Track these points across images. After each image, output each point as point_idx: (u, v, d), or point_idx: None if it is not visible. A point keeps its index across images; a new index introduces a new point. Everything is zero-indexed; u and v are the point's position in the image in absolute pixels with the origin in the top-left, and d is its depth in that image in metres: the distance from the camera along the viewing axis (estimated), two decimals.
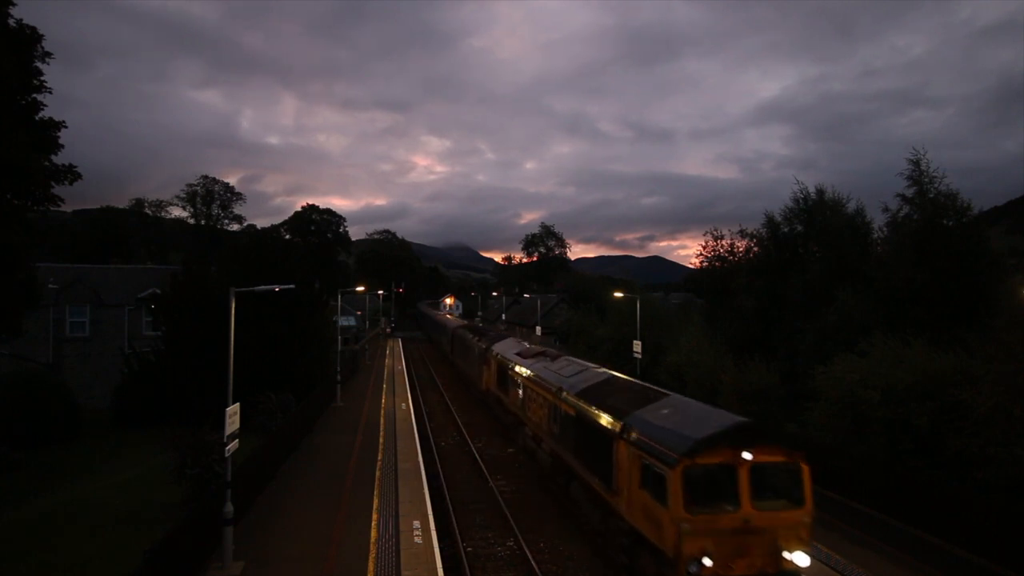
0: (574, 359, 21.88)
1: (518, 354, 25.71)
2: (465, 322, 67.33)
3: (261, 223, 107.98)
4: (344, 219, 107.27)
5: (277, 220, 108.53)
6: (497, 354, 28.88)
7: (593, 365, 19.96)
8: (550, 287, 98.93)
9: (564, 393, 17.38)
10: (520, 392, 23.13)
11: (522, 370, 23.05)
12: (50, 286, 35.13)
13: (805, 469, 10.98)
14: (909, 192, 23.95)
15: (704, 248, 36.57)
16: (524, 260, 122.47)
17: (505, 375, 26.43)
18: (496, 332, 44.05)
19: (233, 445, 12.79)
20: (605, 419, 14.10)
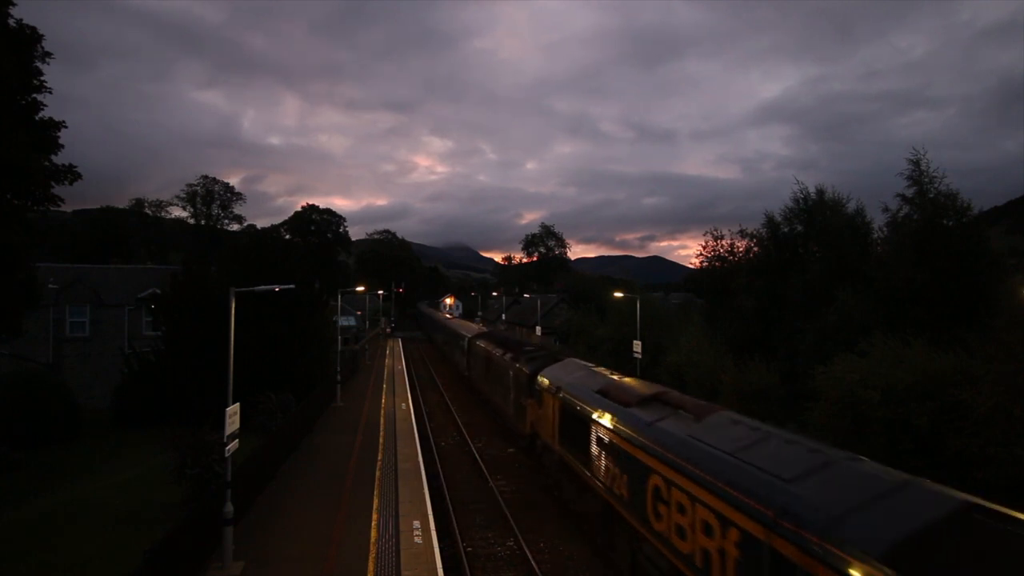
0: (746, 419, 11.30)
1: (603, 393, 15.27)
2: (484, 328, 53.59)
3: (263, 223, 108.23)
4: (344, 219, 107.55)
5: (279, 220, 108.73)
6: (558, 390, 18.16)
7: (829, 449, 9.33)
8: (550, 287, 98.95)
9: (837, 549, 6.83)
10: (625, 472, 12.72)
11: (628, 432, 12.76)
12: (50, 286, 35.14)
13: None
14: (909, 192, 23.97)
15: (704, 248, 36.62)
16: (524, 260, 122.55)
17: (580, 429, 15.76)
18: (537, 347, 30.46)
19: (233, 445, 12.79)
20: None
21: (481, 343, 35.78)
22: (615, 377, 17.53)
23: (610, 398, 14.73)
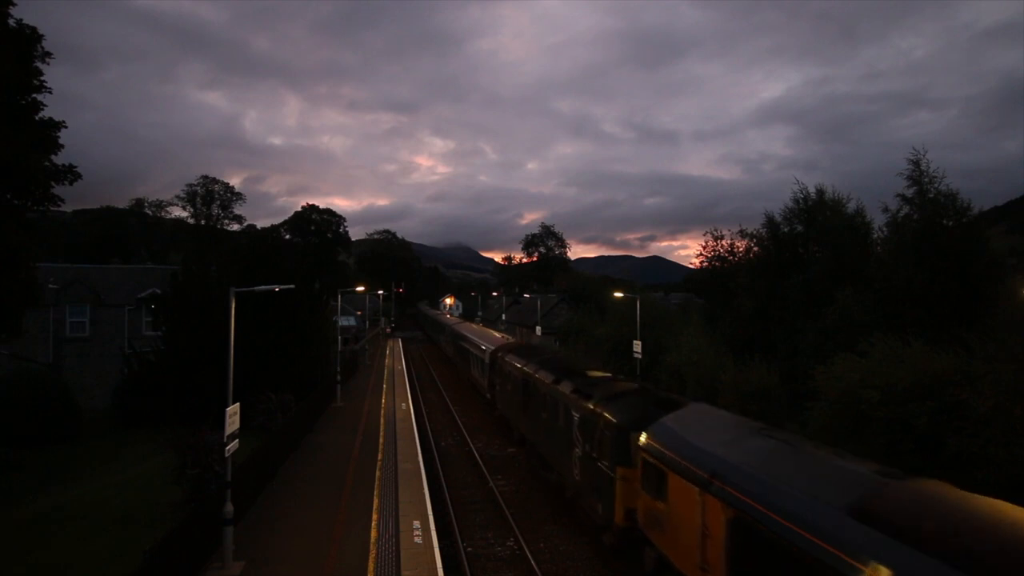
0: None
1: (871, 519, 6.96)
2: (512, 339, 41.43)
3: (265, 223, 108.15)
4: (344, 219, 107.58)
5: (279, 220, 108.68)
6: (722, 483, 9.30)
7: None
8: (550, 287, 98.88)
9: None
10: None
11: None
12: (50, 286, 35.13)
13: None
14: (909, 192, 24.00)
15: (704, 248, 36.69)
16: (524, 260, 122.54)
17: None
18: (609, 375, 19.49)
19: (233, 445, 12.80)
20: None
21: (515, 360, 25.44)
22: (859, 467, 8.56)
23: (914, 543, 6.46)
